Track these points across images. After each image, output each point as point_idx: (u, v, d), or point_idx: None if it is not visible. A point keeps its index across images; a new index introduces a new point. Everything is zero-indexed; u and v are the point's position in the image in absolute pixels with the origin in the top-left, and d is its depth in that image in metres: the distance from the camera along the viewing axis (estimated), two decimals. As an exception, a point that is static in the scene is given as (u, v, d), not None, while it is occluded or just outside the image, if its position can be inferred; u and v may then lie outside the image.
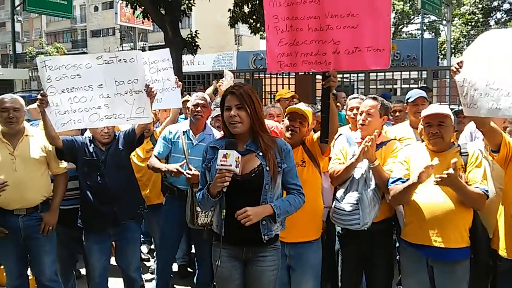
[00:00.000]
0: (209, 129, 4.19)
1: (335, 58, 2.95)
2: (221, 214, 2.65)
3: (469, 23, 30.64)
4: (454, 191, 2.92)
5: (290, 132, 3.34)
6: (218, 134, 4.06)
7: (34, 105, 4.53)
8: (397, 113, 5.27)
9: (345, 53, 2.93)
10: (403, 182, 3.10)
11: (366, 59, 2.91)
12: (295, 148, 3.31)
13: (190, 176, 3.77)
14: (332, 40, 2.94)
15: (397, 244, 3.59)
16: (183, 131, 4.08)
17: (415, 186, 2.99)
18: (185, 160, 3.92)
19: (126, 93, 3.47)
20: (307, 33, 3.00)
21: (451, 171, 2.77)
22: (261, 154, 2.67)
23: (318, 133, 3.23)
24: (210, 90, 6.83)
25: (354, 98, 4.46)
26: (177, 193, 4.04)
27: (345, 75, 11.36)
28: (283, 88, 11.49)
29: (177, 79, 4.68)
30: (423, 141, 3.32)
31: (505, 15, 31.48)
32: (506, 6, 31.26)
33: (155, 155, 4.10)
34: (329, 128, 3.09)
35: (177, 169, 3.80)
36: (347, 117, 4.45)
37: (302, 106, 3.42)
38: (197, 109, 4.05)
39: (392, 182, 3.18)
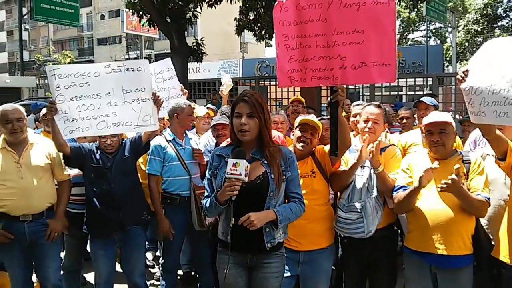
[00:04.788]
0: (186, 133, 4.41)
1: (342, 73, 3.02)
2: (229, 222, 2.66)
3: (472, 31, 30.51)
4: (457, 198, 2.92)
5: (301, 143, 3.34)
6: (193, 135, 4.48)
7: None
8: (404, 120, 5.30)
9: (352, 68, 3.00)
10: (405, 190, 3.11)
11: (372, 73, 2.98)
12: (305, 159, 3.34)
13: (197, 154, 4.21)
14: (338, 56, 3.01)
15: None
16: (168, 140, 4.19)
17: (417, 191, 2.99)
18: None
19: (133, 101, 3.53)
20: (315, 49, 3.07)
21: (454, 176, 2.79)
22: (266, 162, 2.70)
23: (329, 146, 3.24)
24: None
25: (358, 104, 4.49)
26: (179, 201, 4.10)
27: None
28: (288, 95, 11.53)
29: (183, 87, 4.89)
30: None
31: (511, 22, 31.33)
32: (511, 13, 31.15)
33: (152, 173, 4.15)
34: (338, 141, 3.11)
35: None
36: (351, 123, 4.46)
37: (313, 117, 3.43)
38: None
39: (395, 190, 3.19)
